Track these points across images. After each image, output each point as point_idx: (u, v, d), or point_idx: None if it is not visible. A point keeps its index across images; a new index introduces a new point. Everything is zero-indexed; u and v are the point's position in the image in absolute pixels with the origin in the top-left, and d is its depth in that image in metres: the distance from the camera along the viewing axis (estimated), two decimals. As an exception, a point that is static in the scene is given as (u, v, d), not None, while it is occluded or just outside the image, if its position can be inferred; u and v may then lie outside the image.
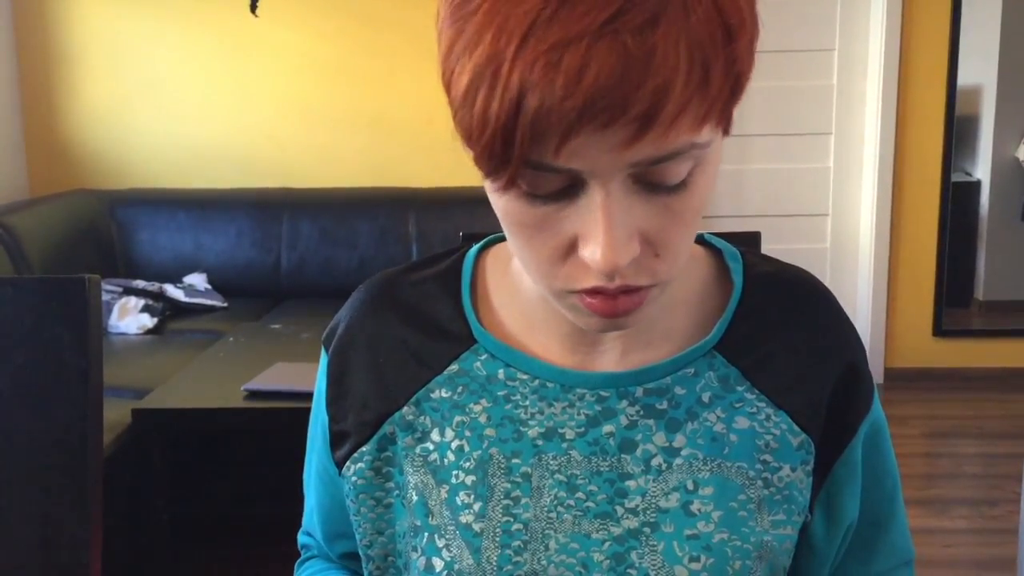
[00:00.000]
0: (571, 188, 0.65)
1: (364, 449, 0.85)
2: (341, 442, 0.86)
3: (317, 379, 0.90)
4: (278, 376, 2.35)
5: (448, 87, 0.65)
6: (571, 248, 0.67)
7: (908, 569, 0.90)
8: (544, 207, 0.66)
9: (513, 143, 0.61)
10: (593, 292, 0.69)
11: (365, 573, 0.88)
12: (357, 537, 0.87)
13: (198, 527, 2.72)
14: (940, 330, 4.13)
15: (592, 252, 0.65)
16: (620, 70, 0.59)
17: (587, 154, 0.62)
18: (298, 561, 0.98)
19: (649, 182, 0.65)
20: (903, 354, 4.13)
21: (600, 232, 0.64)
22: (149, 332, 3.20)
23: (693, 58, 0.60)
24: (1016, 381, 4.05)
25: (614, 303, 0.69)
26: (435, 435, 0.83)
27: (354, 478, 0.85)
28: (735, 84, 0.63)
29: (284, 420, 2.21)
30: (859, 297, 4.10)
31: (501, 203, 0.68)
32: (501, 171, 0.63)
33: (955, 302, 4.36)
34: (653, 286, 0.70)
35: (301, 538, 0.99)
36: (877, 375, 3.98)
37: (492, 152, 0.62)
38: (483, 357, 0.84)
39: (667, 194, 0.66)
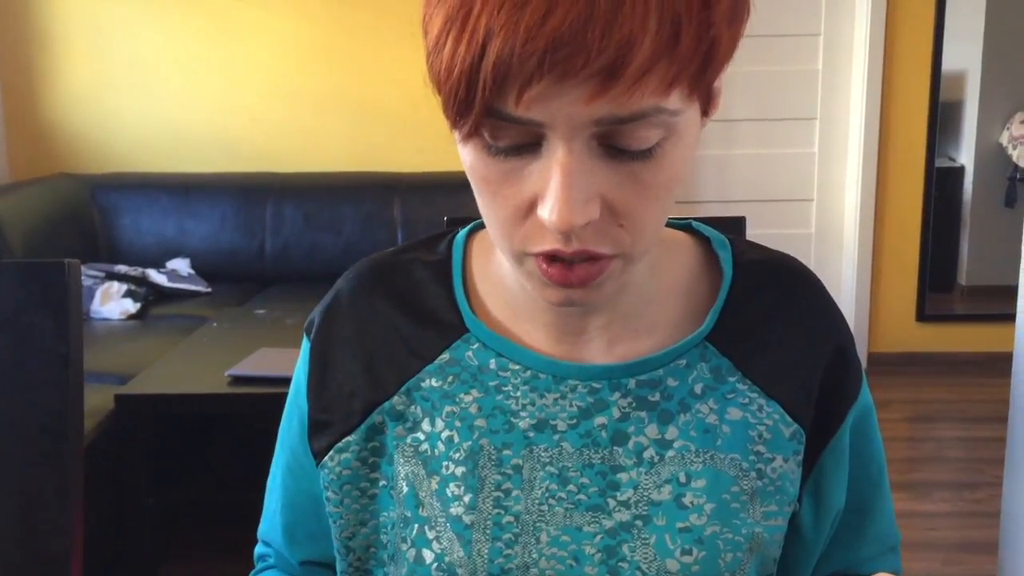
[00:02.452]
0: (534, 145, 0.64)
1: (351, 439, 0.83)
2: (322, 431, 0.85)
3: (297, 369, 0.88)
4: (262, 362, 2.34)
5: (425, 33, 0.64)
6: (531, 208, 0.67)
7: (894, 555, 0.90)
8: (507, 162, 0.66)
9: (476, 88, 0.61)
10: (550, 258, 0.68)
11: (342, 566, 0.86)
12: (336, 530, 0.85)
13: (181, 512, 2.71)
14: (923, 315, 4.15)
15: (548, 210, 0.64)
16: (584, 18, 0.58)
17: (548, 105, 0.61)
18: (252, 572, 0.94)
19: (614, 146, 0.64)
20: (887, 339, 4.15)
21: (557, 189, 0.63)
22: (132, 317, 3.19)
23: (663, 16, 0.59)
24: (998, 365, 4.07)
25: (569, 273, 0.68)
26: (426, 425, 0.82)
27: (338, 468, 0.83)
28: (709, 51, 0.62)
29: (268, 405, 2.20)
30: (843, 282, 4.11)
31: (467, 156, 0.68)
32: (465, 118, 0.63)
33: (938, 287, 4.37)
34: (614, 257, 0.69)
35: (258, 548, 0.95)
36: (861, 359, 3.99)
37: (457, 97, 0.62)
38: (475, 346, 0.82)
39: (633, 161, 0.65)
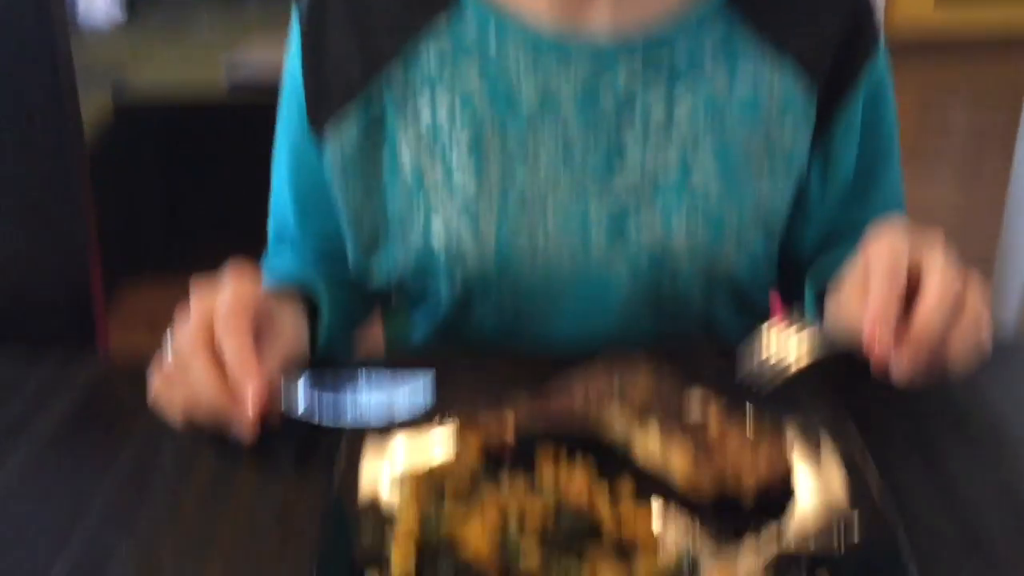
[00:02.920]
0: None
1: (351, 113, 0.81)
2: (322, 109, 0.82)
3: (288, 54, 0.85)
4: (257, 53, 2.28)
5: None
6: None
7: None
8: None
9: None
10: None
11: (352, 254, 0.87)
12: (343, 215, 0.85)
13: (197, 213, 2.72)
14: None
15: None
16: None
17: None
18: (266, 254, 0.94)
19: None
20: (903, 21, 4.03)
21: None
22: (118, 15, 3.06)
23: None
24: (1014, 48, 3.97)
25: None
26: (426, 105, 0.80)
27: (341, 146, 0.82)
28: None
29: (269, 98, 2.17)
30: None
31: None
32: None
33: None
34: None
35: (267, 256, 0.94)
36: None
37: None
38: (472, 16, 0.80)
39: None
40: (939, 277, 0.63)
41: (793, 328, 0.69)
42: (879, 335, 0.62)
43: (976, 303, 0.65)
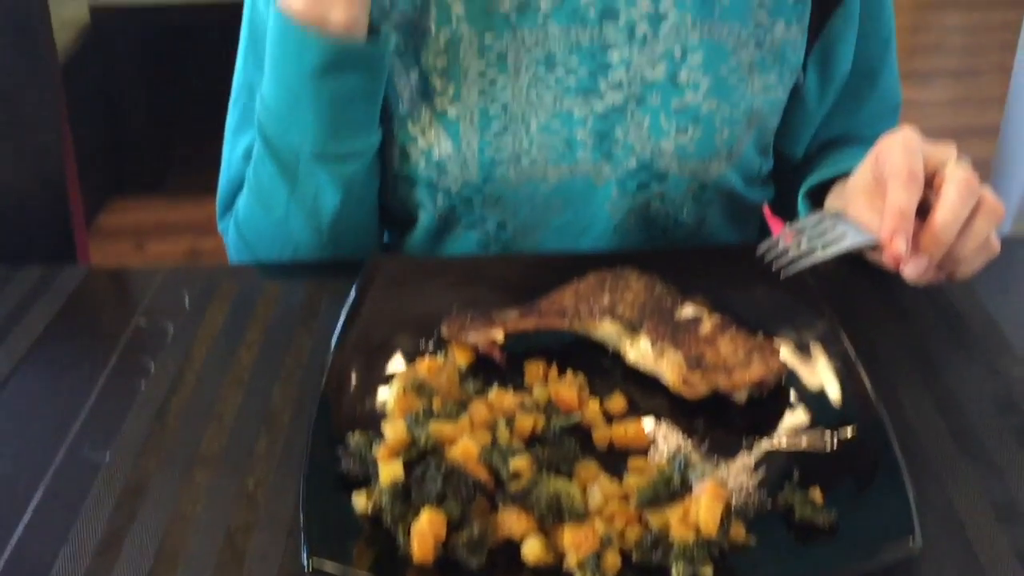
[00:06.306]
0: None
1: None
2: None
3: None
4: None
5: None
6: None
7: (895, 115, 0.88)
8: None
9: None
10: None
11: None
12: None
13: (181, 127, 2.68)
14: None
15: None
16: None
17: None
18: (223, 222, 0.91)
19: None
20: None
21: None
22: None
23: None
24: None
25: None
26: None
27: None
28: None
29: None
30: None
31: None
32: None
33: None
34: None
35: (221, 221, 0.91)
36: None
37: None
38: None
39: None
40: (958, 183, 0.62)
41: (820, 219, 0.68)
42: (898, 239, 0.61)
43: (991, 209, 0.64)
